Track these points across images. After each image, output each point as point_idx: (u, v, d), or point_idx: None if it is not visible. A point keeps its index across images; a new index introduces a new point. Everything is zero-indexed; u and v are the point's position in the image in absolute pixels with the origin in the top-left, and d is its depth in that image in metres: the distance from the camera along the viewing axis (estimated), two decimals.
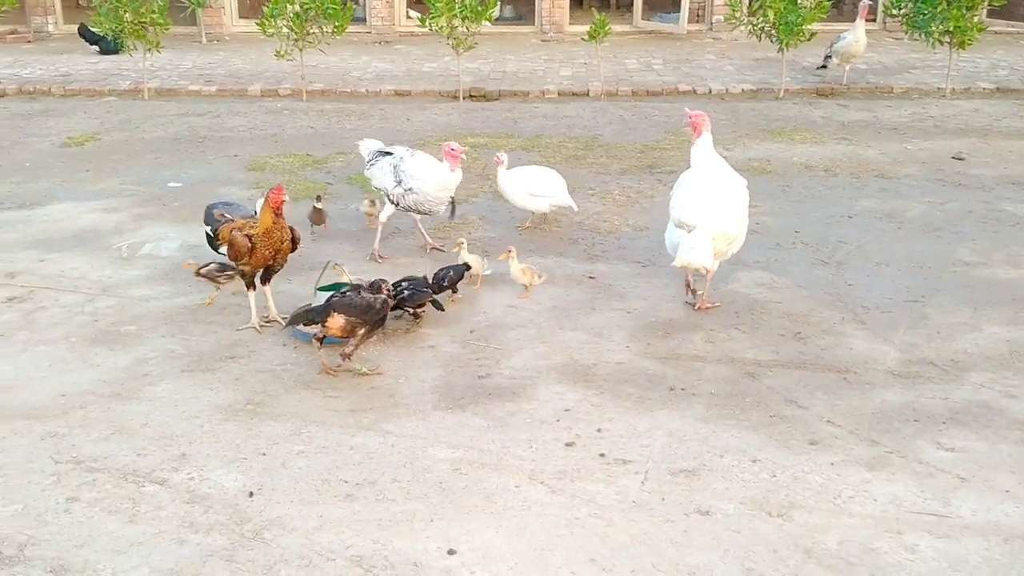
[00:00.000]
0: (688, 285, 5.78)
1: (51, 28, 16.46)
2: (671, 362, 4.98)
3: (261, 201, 5.95)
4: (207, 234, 5.57)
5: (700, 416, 4.44)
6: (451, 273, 5.60)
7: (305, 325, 4.81)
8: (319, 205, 6.73)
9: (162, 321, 5.45)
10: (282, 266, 5.35)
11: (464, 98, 11.69)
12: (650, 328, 5.38)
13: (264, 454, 4.11)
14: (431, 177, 6.13)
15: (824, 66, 12.65)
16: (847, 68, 12.26)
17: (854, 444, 4.20)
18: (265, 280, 5.41)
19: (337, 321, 4.69)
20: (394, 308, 5.10)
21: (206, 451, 4.14)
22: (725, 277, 6.02)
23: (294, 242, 5.29)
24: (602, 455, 4.11)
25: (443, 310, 5.46)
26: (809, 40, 11.47)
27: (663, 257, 6.42)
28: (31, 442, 4.20)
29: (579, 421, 4.39)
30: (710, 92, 12.00)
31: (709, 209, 5.41)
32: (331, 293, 5.03)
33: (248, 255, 5.17)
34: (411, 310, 5.32)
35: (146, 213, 7.44)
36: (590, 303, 5.73)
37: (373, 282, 4.85)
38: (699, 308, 5.61)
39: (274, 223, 5.15)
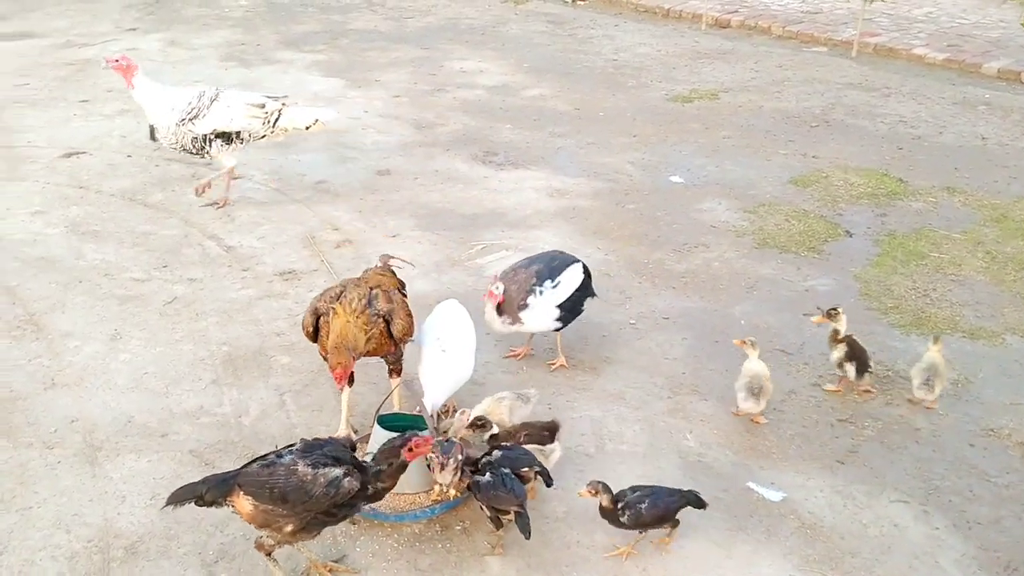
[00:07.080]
0: None
1: None
2: None
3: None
4: None
5: None
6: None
7: (197, 503, 2.85)
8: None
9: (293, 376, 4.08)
10: (393, 354, 3.56)
11: None
12: None
13: None
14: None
15: None
16: None
17: None
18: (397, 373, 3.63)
19: (244, 505, 2.83)
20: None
21: None
22: None
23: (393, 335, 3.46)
24: None
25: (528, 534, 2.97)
26: None
27: None
28: None
29: None
30: None
31: None
32: (395, 434, 3.17)
33: (311, 338, 3.47)
34: (487, 508, 3.06)
35: (580, 209, 5.80)
36: None
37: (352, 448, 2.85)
38: None
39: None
